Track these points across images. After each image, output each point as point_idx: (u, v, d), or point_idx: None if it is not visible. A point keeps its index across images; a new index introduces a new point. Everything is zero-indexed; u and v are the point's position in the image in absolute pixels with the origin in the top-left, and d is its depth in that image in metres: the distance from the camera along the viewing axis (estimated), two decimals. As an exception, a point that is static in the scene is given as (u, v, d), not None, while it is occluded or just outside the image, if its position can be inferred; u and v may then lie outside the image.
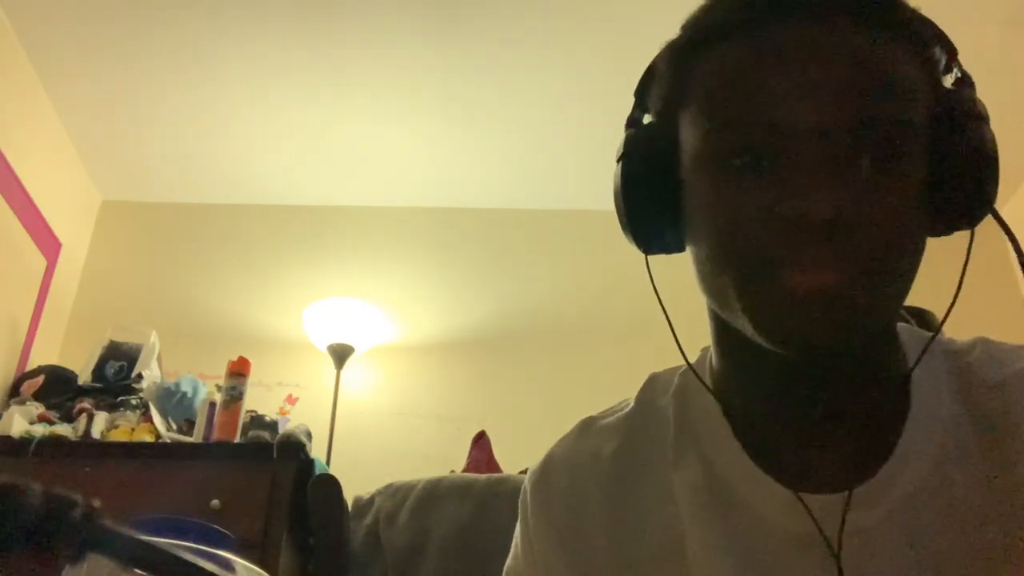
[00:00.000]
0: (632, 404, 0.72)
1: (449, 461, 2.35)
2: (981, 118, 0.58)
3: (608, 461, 0.69)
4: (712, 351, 0.66)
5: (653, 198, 0.61)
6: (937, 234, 0.60)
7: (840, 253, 0.52)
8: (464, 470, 2.25)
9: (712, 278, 0.57)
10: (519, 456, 2.24)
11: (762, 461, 0.62)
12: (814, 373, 0.58)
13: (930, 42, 0.58)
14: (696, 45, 0.60)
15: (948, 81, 0.60)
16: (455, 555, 1.67)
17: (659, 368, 0.73)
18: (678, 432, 0.67)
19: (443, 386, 2.91)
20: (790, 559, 0.60)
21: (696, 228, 0.59)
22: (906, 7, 0.58)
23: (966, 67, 0.60)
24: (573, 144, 2.93)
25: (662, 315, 0.66)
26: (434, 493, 1.77)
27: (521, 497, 0.73)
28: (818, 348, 0.53)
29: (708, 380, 0.66)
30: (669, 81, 0.62)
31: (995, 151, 0.57)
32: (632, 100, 0.67)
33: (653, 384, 0.72)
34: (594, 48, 2.61)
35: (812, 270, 0.52)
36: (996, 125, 0.58)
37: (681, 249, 0.63)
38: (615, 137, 0.65)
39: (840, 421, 0.60)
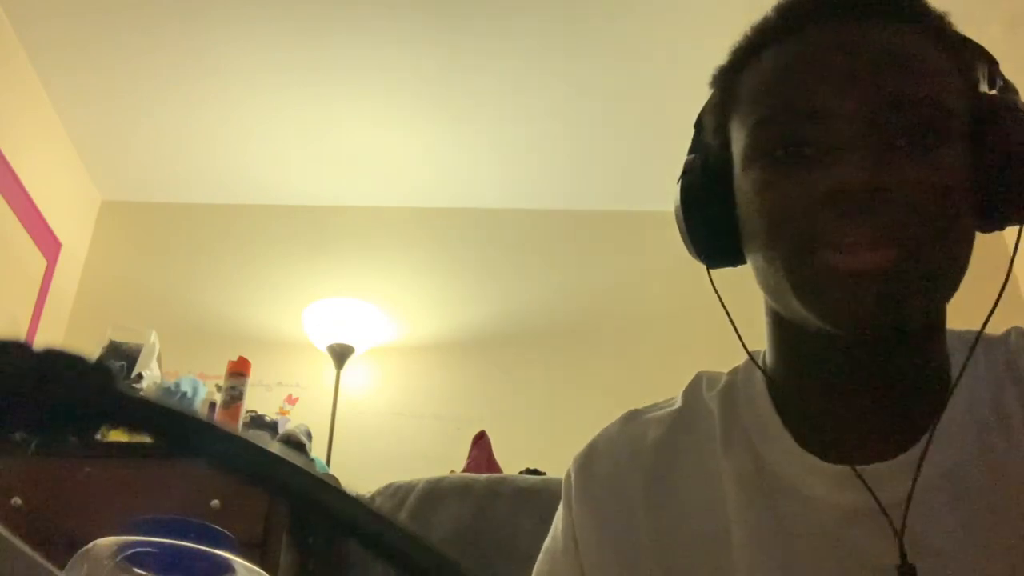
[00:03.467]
0: (679, 400, 0.74)
1: (449, 461, 2.35)
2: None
3: (651, 449, 0.71)
4: (767, 350, 0.68)
5: (710, 210, 0.64)
6: (986, 230, 0.61)
7: (881, 230, 0.53)
8: (464, 470, 2.25)
9: (765, 265, 0.60)
10: (519, 456, 2.24)
11: (811, 446, 0.63)
12: (869, 358, 0.60)
13: (960, 42, 0.61)
14: (741, 59, 0.64)
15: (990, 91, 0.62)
16: (456, 555, 1.67)
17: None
18: (725, 425, 0.68)
19: (443, 386, 2.91)
20: (843, 535, 0.61)
21: (748, 224, 0.61)
22: (932, 10, 0.61)
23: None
24: (573, 144, 2.93)
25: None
26: (434, 493, 1.77)
27: (564, 481, 0.75)
28: (864, 326, 0.55)
29: (758, 380, 0.69)
30: (719, 95, 0.65)
31: None
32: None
33: (699, 382, 0.74)
34: (594, 49, 2.61)
35: (853, 250, 0.54)
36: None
37: (742, 260, 0.65)
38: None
39: (887, 403, 0.62)
